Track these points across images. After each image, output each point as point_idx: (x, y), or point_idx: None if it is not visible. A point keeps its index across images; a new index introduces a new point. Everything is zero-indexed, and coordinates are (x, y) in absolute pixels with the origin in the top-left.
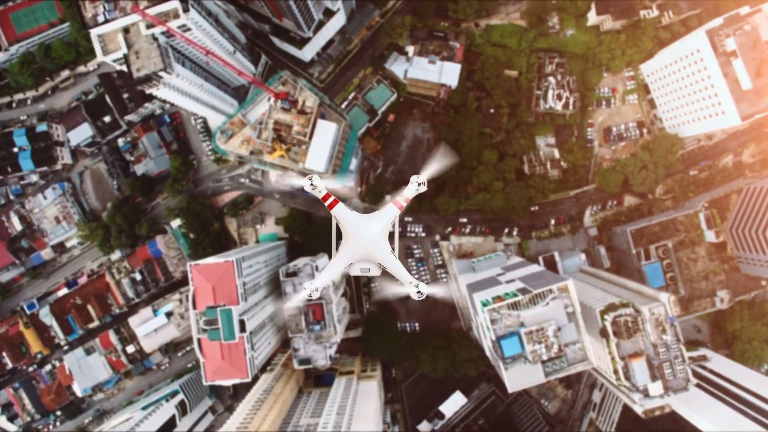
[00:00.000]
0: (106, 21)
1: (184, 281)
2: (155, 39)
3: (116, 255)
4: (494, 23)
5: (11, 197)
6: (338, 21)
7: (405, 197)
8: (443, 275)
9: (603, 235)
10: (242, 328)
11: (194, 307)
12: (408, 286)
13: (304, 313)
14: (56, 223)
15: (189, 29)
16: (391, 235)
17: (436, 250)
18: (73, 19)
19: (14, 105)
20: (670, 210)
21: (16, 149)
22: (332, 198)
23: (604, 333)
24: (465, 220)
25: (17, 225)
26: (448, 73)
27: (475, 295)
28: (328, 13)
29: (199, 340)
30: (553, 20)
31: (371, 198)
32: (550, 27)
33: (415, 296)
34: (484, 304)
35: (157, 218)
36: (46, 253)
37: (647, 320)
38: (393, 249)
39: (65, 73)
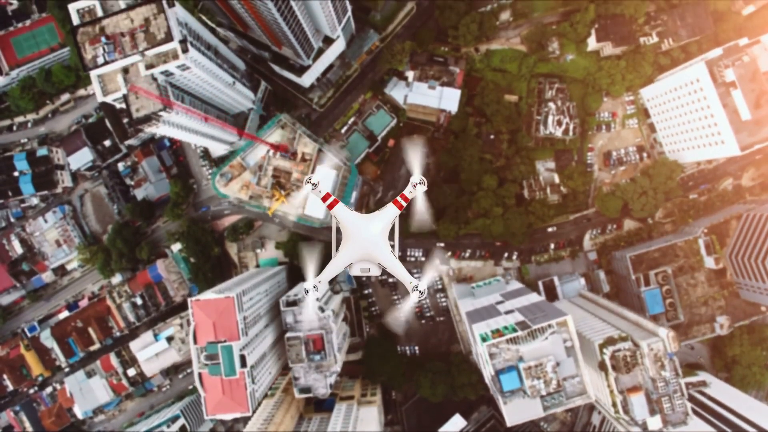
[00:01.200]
0: (106, 63)
1: (184, 305)
2: (154, 79)
3: (117, 278)
4: (494, 48)
5: (12, 220)
6: (338, 47)
7: (405, 197)
8: (443, 300)
9: (603, 259)
10: (243, 363)
11: (195, 342)
12: (408, 285)
13: (304, 342)
14: (57, 246)
15: (188, 68)
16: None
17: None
18: (74, 43)
19: (15, 128)
20: (670, 234)
21: (16, 173)
22: (332, 198)
23: (602, 366)
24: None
25: (18, 248)
26: (448, 99)
27: (475, 327)
28: (328, 41)
29: (200, 374)
30: (553, 45)
31: None
32: (550, 52)
33: (415, 296)
34: (483, 339)
35: (157, 241)
36: (47, 276)
37: (646, 355)
38: (393, 249)
39: (65, 97)
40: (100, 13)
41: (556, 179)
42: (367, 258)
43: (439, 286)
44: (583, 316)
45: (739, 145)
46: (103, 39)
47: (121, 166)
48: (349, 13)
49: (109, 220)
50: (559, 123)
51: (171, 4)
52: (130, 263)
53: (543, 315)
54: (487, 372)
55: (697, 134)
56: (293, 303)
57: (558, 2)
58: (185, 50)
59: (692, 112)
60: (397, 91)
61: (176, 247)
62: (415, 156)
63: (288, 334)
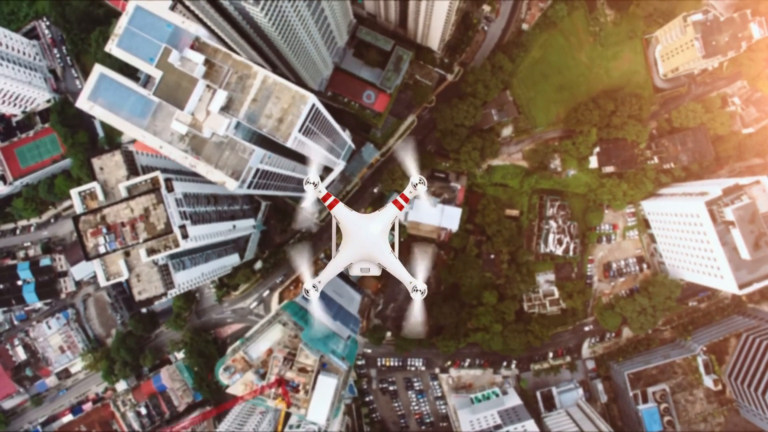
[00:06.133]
0: (107, 252)
1: (188, 412)
2: (155, 263)
3: (121, 385)
4: (496, 164)
5: (15, 323)
6: (338, 169)
7: (405, 197)
8: (443, 407)
9: (601, 367)
10: None
11: None
12: (408, 286)
13: None
14: (60, 352)
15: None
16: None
17: (435, 383)
18: (75, 156)
19: (18, 231)
20: (669, 343)
21: (20, 282)
22: (332, 198)
23: None
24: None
25: (21, 354)
26: (448, 217)
27: None
28: (329, 169)
29: None
30: (555, 162)
31: (372, 338)
32: (552, 169)
33: (415, 296)
34: None
35: (161, 346)
36: (51, 381)
37: None
38: (393, 249)
39: (68, 203)
40: (100, 195)
41: (556, 293)
42: (367, 258)
43: (439, 394)
44: None
45: (737, 282)
46: (104, 230)
47: None
48: (349, 142)
49: (113, 323)
50: (560, 242)
51: (170, 189)
52: (134, 371)
53: None
54: None
55: (697, 262)
56: None
57: (560, 120)
58: (185, 236)
59: (692, 241)
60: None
61: (180, 354)
62: (409, 158)
63: None
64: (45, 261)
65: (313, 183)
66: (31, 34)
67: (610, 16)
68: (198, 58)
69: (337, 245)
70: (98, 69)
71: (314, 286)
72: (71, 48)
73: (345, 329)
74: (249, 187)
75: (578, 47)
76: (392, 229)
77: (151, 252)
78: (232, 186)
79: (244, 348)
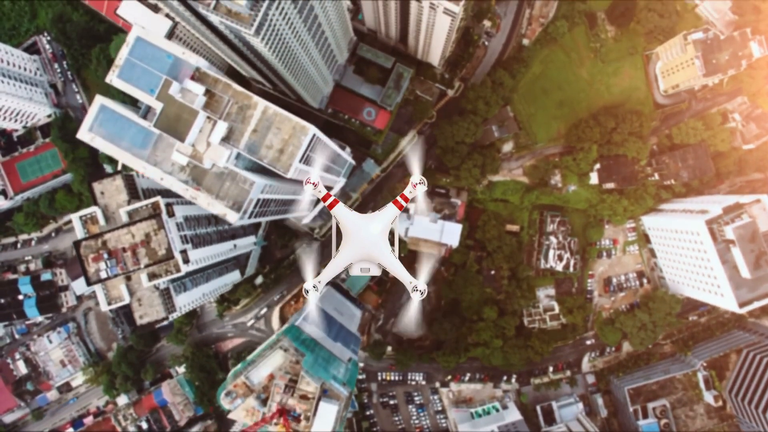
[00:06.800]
0: (108, 278)
1: (189, 424)
2: (156, 288)
3: (122, 399)
4: (497, 180)
5: (16, 336)
6: (339, 186)
7: (405, 197)
8: (443, 421)
9: (601, 382)
10: None
11: None
12: (408, 285)
13: None
14: (62, 366)
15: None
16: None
17: (435, 397)
18: (76, 171)
19: (19, 245)
20: (669, 357)
21: (21, 296)
22: (332, 198)
23: None
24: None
25: (22, 368)
26: (449, 233)
27: None
28: (329, 187)
29: None
30: (556, 178)
31: (373, 353)
32: (552, 185)
33: (414, 296)
34: None
35: (161, 360)
36: (52, 395)
37: None
38: (393, 249)
39: (68, 217)
40: (101, 219)
41: (556, 308)
42: (367, 258)
43: (439, 408)
44: None
45: (737, 301)
46: (105, 255)
47: None
48: (350, 160)
49: (114, 337)
50: (560, 258)
51: (171, 214)
52: (135, 385)
53: None
54: None
55: (697, 278)
56: None
57: (561, 136)
58: (186, 261)
59: (692, 258)
60: (398, 223)
61: (181, 368)
62: (414, 157)
63: None
64: (46, 275)
65: (314, 183)
66: (32, 49)
67: (611, 32)
68: (198, 89)
69: (338, 246)
70: (99, 100)
71: (314, 286)
72: (72, 63)
73: (346, 351)
74: (250, 216)
75: (579, 63)
76: (392, 240)
77: (152, 277)
78: (233, 218)
79: (245, 373)
